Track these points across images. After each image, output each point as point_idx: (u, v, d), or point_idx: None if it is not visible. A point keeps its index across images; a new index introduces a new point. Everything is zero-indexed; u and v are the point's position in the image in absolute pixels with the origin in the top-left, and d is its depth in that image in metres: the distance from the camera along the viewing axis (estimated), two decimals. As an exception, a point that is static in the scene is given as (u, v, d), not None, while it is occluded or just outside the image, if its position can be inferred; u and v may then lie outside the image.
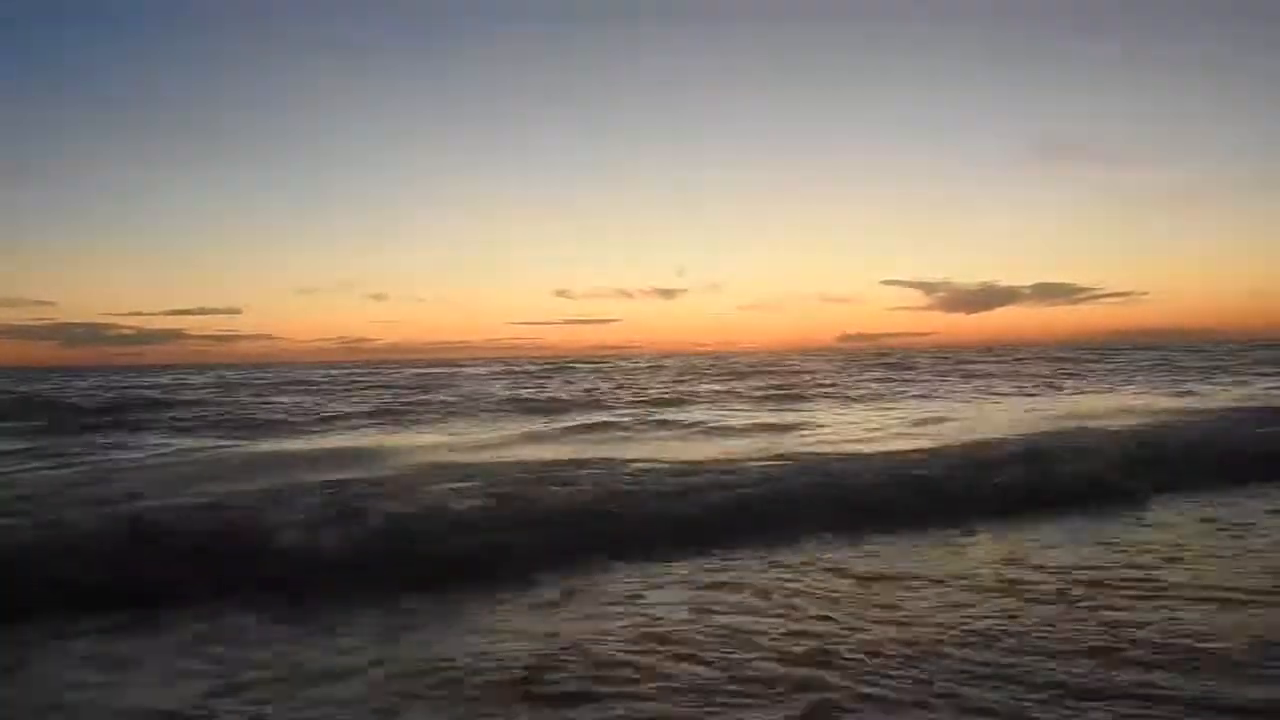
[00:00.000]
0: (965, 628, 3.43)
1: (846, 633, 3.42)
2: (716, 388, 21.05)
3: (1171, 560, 4.43)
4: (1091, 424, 9.62)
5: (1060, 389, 18.83)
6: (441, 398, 19.28)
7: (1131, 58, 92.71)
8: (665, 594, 4.07)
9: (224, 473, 7.58)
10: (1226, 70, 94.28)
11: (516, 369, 38.89)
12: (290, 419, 14.60)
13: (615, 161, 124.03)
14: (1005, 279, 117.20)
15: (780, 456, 7.67)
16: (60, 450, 9.69)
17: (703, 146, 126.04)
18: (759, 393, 18.84)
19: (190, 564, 4.29)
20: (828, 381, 22.71)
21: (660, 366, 38.31)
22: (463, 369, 40.54)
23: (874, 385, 20.99)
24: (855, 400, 16.73)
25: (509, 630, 3.60)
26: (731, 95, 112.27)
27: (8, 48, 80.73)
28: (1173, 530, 5.19)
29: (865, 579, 4.23)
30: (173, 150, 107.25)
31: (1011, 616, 3.57)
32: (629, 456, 7.81)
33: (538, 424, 12.79)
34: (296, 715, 2.81)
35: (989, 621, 3.50)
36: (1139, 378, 21.36)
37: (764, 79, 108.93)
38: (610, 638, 3.43)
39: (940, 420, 11.71)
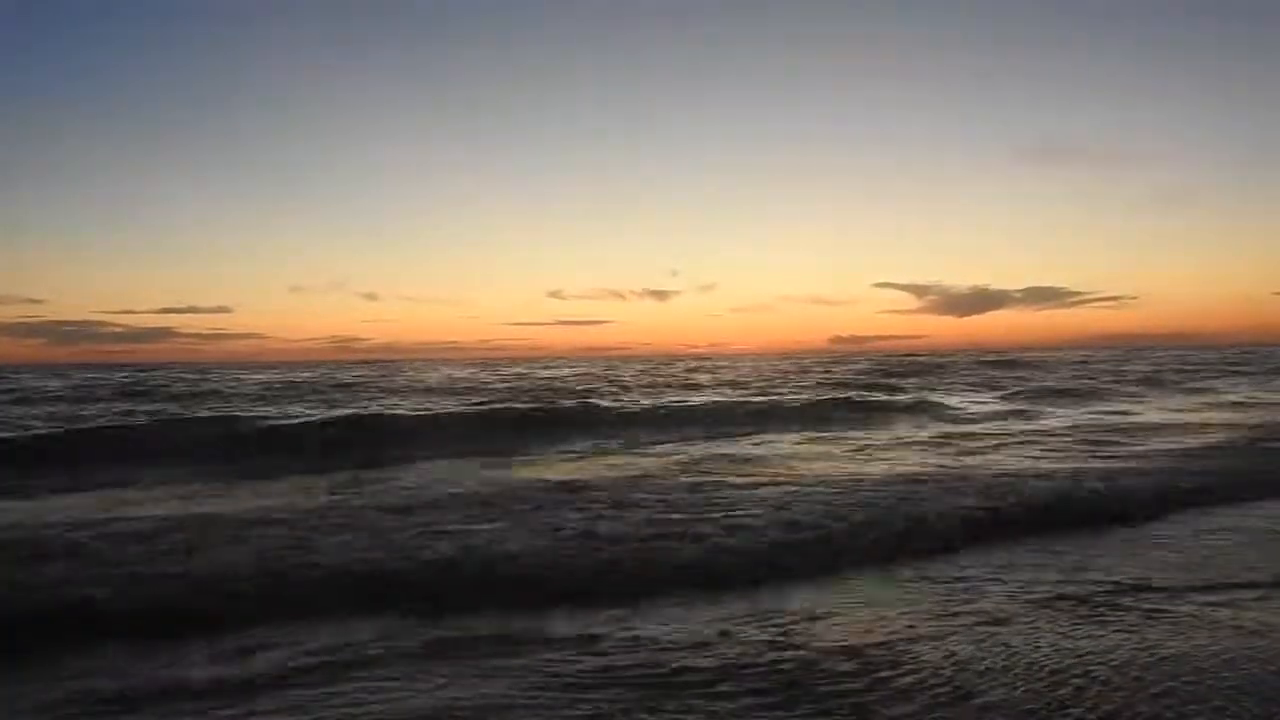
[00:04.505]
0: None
1: None
2: None
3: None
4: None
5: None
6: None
7: (1124, 61, 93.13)
8: None
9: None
10: (1221, 74, 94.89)
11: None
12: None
13: (608, 163, 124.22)
14: (997, 282, 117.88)
15: None
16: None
17: (697, 148, 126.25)
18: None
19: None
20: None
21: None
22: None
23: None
24: None
25: None
26: (725, 97, 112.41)
27: (4, 47, 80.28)
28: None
29: None
30: (165, 149, 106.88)
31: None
32: None
33: None
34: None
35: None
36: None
37: (758, 80, 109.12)
38: None
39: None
